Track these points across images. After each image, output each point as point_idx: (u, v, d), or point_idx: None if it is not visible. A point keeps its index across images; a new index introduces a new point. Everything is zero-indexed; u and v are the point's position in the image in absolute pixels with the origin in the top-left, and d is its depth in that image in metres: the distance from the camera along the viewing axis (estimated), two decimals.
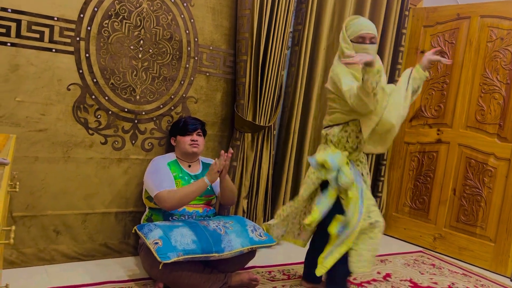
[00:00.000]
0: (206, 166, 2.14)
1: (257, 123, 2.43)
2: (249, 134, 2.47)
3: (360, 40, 1.81)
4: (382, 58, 2.96)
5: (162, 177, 1.96)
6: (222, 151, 1.92)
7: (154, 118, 2.21)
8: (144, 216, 2.08)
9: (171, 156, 2.10)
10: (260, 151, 2.54)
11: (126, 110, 2.12)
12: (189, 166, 2.09)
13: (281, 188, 2.74)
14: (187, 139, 2.06)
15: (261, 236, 1.91)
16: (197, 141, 2.06)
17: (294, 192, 2.84)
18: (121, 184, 2.16)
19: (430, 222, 2.99)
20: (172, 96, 2.24)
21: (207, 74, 2.33)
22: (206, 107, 2.36)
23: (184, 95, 2.28)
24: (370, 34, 1.80)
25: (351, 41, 1.82)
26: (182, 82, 2.25)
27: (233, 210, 2.48)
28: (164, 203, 1.87)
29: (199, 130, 2.10)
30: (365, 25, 1.80)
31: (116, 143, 2.12)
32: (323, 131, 1.91)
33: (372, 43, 1.80)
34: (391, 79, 3.05)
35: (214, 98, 2.38)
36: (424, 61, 1.87)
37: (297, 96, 2.66)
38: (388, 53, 2.98)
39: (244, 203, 2.51)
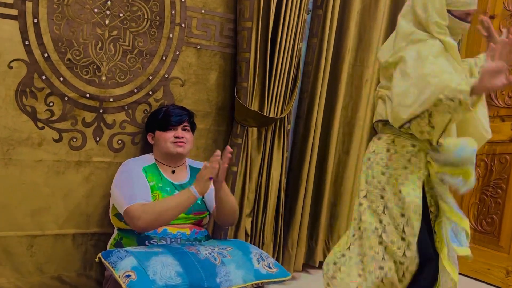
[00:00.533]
0: (195, 172, 2.14)
1: (265, 113, 2.44)
2: (255, 129, 2.48)
3: (464, 17, 1.84)
4: None
5: (135, 186, 1.96)
6: (218, 151, 1.92)
7: (126, 107, 2.20)
8: (111, 240, 2.09)
9: (148, 159, 2.11)
10: (269, 153, 2.54)
11: (88, 95, 2.12)
12: (173, 172, 2.10)
13: (297, 203, 2.74)
14: (169, 135, 2.07)
15: (270, 267, 1.93)
16: (182, 138, 2.07)
17: (315, 208, 2.84)
18: (80, 196, 2.16)
19: (501, 250, 2.98)
20: (150, 77, 2.24)
21: (198, 47, 2.33)
22: (196, 92, 2.36)
23: (166, 76, 2.28)
24: (474, 10, 1.85)
25: (449, 12, 1.82)
26: (164, 58, 2.25)
27: (232, 232, 2.48)
28: (136, 221, 1.87)
29: (185, 124, 2.11)
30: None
31: (74, 140, 2.12)
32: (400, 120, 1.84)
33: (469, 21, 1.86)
34: None
35: (207, 80, 2.38)
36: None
37: (320, 78, 2.67)
38: None
39: (247, 222, 2.51)
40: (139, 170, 2.03)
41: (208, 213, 2.12)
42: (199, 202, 2.07)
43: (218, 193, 2.01)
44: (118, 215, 2.02)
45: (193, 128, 2.17)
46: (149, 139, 2.15)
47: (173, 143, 2.06)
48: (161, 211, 1.87)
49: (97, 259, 1.88)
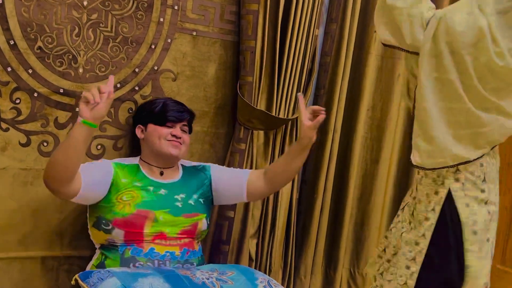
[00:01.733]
0: (188, 170, 2.22)
1: (273, 114, 2.45)
2: (261, 133, 2.49)
3: None
4: None
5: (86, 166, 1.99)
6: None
7: None
8: (93, 261, 2.09)
9: (129, 160, 2.16)
10: None
11: (61, 91, 2.12)
12: (161, 173, 2.14)
13: (312, 221, 2.75)
14: (165, 131, 2.10)
15: None
16: (180, 138, 2.11)
17: (335, 229, 2.84)
18: (51, 210, 2.16)
19: None
20: (137, 70, 2.25)
21: (194, 33, 2.34)
22: (191, 88, 2.37)
23: (155, 68, 2.29)
24: None
25: None
26: (153, 47, 2.27)
27: (233, 256, 2.49)
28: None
29: (185, 123, 2.16)
30: None
31: (45, 144, 2.12)
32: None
33: None
34: None
35: (204, 73, 2.39)
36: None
37: (340, 71, 2.68)
38: None
39: (251, 245, 2.52)
40: (104, 160, 2.12)
41: (206, 216, 2.14)
42: (191, 202, 2.11)
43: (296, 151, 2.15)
44: (97, 223, 2.04)
45: (190, 130, 2.21)
46: (138, 132, 2.17)
47: (169, 141, 2.09)
48: (54, 152, 1.87)
49: (73, 282, 1.89)
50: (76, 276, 1.88)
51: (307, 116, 2.06)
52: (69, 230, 2.20)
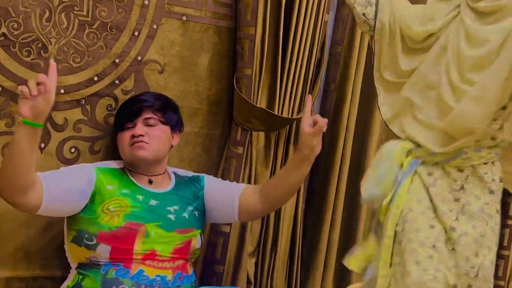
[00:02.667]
0: (184, 180, 2.23)
1: (276, 112, 2.46)
2: (262, 135, 2.51)
3: None
4: None
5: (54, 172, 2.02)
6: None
7: (82, 101, 2.22)
8: (68, 283, 2.08)
9: (113, 163, 2.18)
10: (281, 167, 2.54)
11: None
12: (150, 182, 2.14)
13: (321, 237, 2.76)
14: (126, 136, 2.11)
15: None
16: (142, 136, 2.08)
17: (348, 244, 2.82)
18: (16, 226, 2.16)
19: None
20: (117, 60, 2.26)
21: (184, 18, 2.36)
22: (180, 81, 2.39)
23: (139, 58, 2.29)
24: None
25: None
26: (136, 34, 2.27)
27: (229, 277, 2.49)
28: None
29: (148, 115, 2.12)
30: None
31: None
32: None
33: None
34: None
35: (195, 64, 2.41)
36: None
37: (354, 63, 2.71)
38: None
39: (249, 265, 2.53)
40: (84, 164, 2.12)
41: (200, 232, 2.15)
42: (186, 215, 2.12)
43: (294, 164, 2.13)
44: (77, 239, 2.03)
45: (168, 119, 2.17)
46: (117, 142, 2.19)
47: (131, 145, 2.09)
48: (2, 160, 1.88)
49: None
50: None
51: (308, 122, 2.03)
52: (38, 247, 2.20)
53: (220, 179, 2.35)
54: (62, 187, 1.98)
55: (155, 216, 2.07)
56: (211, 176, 2.30)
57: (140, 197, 2.08)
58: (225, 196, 2.22)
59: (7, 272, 2.16)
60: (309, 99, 2.12)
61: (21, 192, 1.86)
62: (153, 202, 2.09)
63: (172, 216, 2.10)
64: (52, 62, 1.77)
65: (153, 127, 2.11)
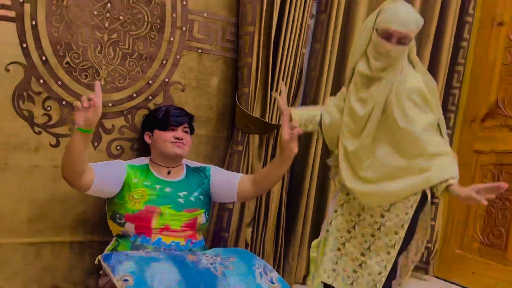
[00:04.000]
0: (191, 170, 2.20)
1: (267, 120, 2.48)
2: (256, 137, 2.53)
3: (385, 36, 1.89)
4: (443, 31, 3.00)
5: (101, 164, 2.02)
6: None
7: (125, 112, 2.25)
8: (109, 246, 2.11)
9: (140, 161, 2.16)
10: (271, 160, 2.58)
11: None
12: (168, 172, 2.14)
13: (299, 213, 2.78)
14: (169, 135, 2.10)
15: (273, 282, 1.91)
16: (182, 139, 2.11)
17: (318, 218, 2.87)
18: (78, 203, 2.19)
19: (509, 264, 2.97)
20: (150, 82, 2.29)
21: (200, 51, 2.39)
22: (197, 97, 2.41)
23: (166, 80, 2.32)
24: (400, 32, 1.87)
25: (376, 30, 1.91)
26: (164, 62, 2.30)
27: (233, 241, 2.51)
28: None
29: (185, 125, 2.15)
30: (398, 18, 1.86)
31: None
32: None
33: (401, 43, 1.88)
34: (453, 60, 3.09)
35: (208, 85, 2.43)
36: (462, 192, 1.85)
37: (323, 84, 2.71)
38: (452, 25, 3.02)
39: (247, 232, 2.55)
40: (120, 161, 2.12)
41: (204, 211, 2.14)
42: (192, 198, 2.11)
43: (281, 159, 2.06)
44: (113, 217, 2.06)
45: (192, 131, 2.21)
46: (146, 138, 2.18)
47: (173, 143, 2.09)
48: (63, 155, 1.88)
49: (96, 262, 1.91)
50: (99, 257, 1.89)
51: (287, 131, 1.98)
52: (92, 219, 2.23)
53: (223, 169, 2.32)
54: (106, 175, 1.99)
55: (168, 200, 2.06)
56: (217, 167, 2.28)
57: (158, 186, 2.07)
58: (227, 182, 2.20)
59: (71, 237, 2.21)
60: (285, 113, 2.03)
61: (77, 176, 1.89)
62: (167, 189, 2.08)
63: (181, 200, 2.09)
64: (97, 82, 1.77)
65: (187, 134, 2.15)
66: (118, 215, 2.03)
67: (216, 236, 2.45)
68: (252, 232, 2.58)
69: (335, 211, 2.14)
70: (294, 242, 2.79)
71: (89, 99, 1.72)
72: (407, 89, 1.92)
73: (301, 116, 2.16)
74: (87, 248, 2.24)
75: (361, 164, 2.01)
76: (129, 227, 2.02)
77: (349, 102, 2.03)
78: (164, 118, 2.13)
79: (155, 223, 2.02)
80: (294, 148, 2.01)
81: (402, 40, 1.88)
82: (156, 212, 2.03)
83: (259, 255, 2.58)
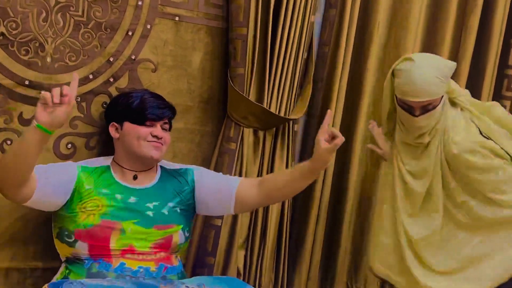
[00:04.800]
0: (168, 175, 2.21)
1: (275, 111, 2.50)
2: (251, 131, 2.52)
3: (406, 108, 2.16)
4: (487, 52, 3.04)
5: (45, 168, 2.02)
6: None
7: (78, 99, 2.22)
8: (58, 276, 2.09)
9: (98, 161, 2.17)
10: (269, 162, 2.58)
11: (27, 83, 2.13)
12: (135, 177, 2.15)
13: (307, 230, 2.79)
14: (145, 132, 2.10)
15: None
16: (161, 139, 2.11)
17: (332, 238, 2.88)
18: (14, 220, 2.17)
19: None
20: (111, 59, 2.27)
21: (177, 18, 2.37)
22: (173, 80, 2.41)
23: (133, 57, 2.31)
24: (421, 102, 2.10)
25: (396, 97, 2.18)
26: (130, 33, 2.29)
27: (220, 268, 2.51)
28: None
29: (166, 120, 2.16)
30: (414, 88, 2.08)
31: (8, 143, 2.13)
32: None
33: (428, 111, 2.12)
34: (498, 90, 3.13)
35: (188, 64, 2.42)
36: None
37: (340, 63, 2.72)
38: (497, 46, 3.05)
39: (239, 257, 2.55)
40: (70, 163, 2.13)
41: (182, 227, 2.14)
42: (165, 211, 2.12)
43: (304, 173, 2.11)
44: (60, 235, 2.05)
45: (171, 127, 2.21)
46: (112, 131, 2.16)
47: (149, 142, 2.09)
48: (4, 155, 1.89)
49: None
50: (45, 286, 1.88)
51: (324, 137, 2.00)
52: (35, 239, 2.22)
53: (213, 171, 2.34)
54: (51, 182, 1.98)
55: (133, 213, 2.06)
56: (204, 169, 2.29)
57: (119, 196, 2.07)
58: (221, 189, 2.20)
59: (7, 263, 2.18)
60: (328, 113, 2.08)
61: (17, 186, 1.87)
62: (132, 199, 2.08)
63: (150, 213, 2.09)
64: (75, 74, 1.80)
65: (166, 132, 2.14)
66: (66, 232, 2.03)
67: (199, 261, 2.45)
68: (245, 256, 2.58)
69: None
70: (301, 269, 2.80)
71: (62, 95, 1.73)
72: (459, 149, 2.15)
73: None
74: (28, 277, 2.23)
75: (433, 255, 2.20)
76: (81, 248, 2.01)
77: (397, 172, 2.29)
78: (141, 108, 2.11)
79: (113, 242, 2.02)
80: (330, 160, 2.06)
81: (427, 107, 2.11)
82: (116, 229, 2.03)
83: (254, 286, 2.59)
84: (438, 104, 2.11)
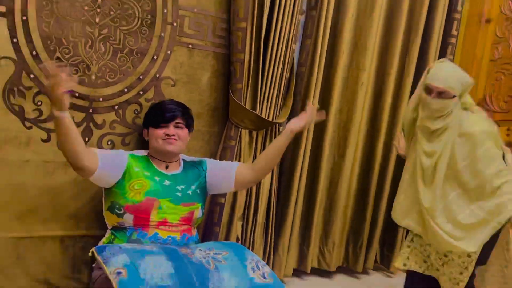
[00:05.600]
0: (188, 164, 2.20)
1: (265, 117, 2.51)
2: (246, 132, 2.53)
3: (427, 91, 2.17)
4: (432, 28, 3.02)
5: (103, 150, 2.05)
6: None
7: (116, 107, 2.25)
8: (104, 240, 2.10)
9: (140, 152, 2.16)
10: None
11: (77, 95, 2.15)
12: (167, 167, 2.14)
13: (288, 207, 2.80)
14: (160, 132, 2.10)
15: (265, 277, 1.91)
16: (174, 135, 2.10)
17: (308, 213, 2.90)
18: (68, 198, 2.19)
19: None
20: (141, 77, 2.28)
21: (190, 46, 2.39)
22: (187, 92, 2.41)
23: (157, 75, 2.32)
24: (437, 87, 2.12)
25: (424, 87, 2.19)
26: (155, 58, 2.30)
27: (223, 235, 2.53)
28: None
29: (178, 120, 2.13)
30: (438, 76, 2.13)
31: None
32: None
33: (440, 97, 2.13)
34: (442, 56, 3.10)
35: (199, 80, 2.43)
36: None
37: (314, 80, 2.73)
38: (441, 21, 3.04)
39: (238, 226, 2.57)
40: (121, 150, 2.12)
41: (201, 205, 2.14)
42: (190, 192, 2.11)
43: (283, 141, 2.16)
44: (111, 207, 2.04)
45: (189, 124, 2.18)
46: (145, 135, 2.18)
47: (164, 139, 2.09)
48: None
49: (90, 254, 1.90)
50: (93, 249, 1.88)
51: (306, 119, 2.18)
52: (83, 214, 2.23)
53: (219, 160, 2.36)
54: (109, 161, 1.98)
55: (167, 193, 2.05)
56: (212, 159, 2.29)
57: (157, 178, 2.06)
58: (225, 171, 2.21)
59: (62, 232, 2.20)
60: (310, 105, 2.25)
61: (77, 156, 1.86)
62: (166, 182, 2.08)
63: (179, 194, 2.08)
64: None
65: (180, 129, 2.13)
66: (117, 206, 2.01)
67: (208, 230, 2.46)
68: (242, 226, 2.60)
69: None
70: (284, 236, 2.81)
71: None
72: (467, 133, 2.14)
73: None
74: (79, 242, 2.25)
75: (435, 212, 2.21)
76: (128, 218, 2.01)
77: (416, 152, 2.28)
78: (155, 115, 2.13)
79: (154, 216, 2.01)
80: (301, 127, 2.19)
81: (441, 95, 2.12)
82: (155, 205, 2.02)
83: (248, 248, 2.60)
84: (450, 98, 2.12)
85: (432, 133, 2.20)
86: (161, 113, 2.12)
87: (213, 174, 2.21)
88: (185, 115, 2.17)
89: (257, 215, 2.63)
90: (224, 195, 2.48)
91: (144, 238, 2.00)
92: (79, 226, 2.24)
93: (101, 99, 2.20)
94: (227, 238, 2.53)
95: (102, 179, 2.02)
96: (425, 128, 2.22)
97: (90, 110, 2.20)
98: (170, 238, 2.02)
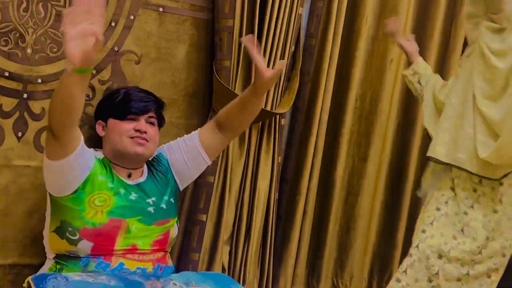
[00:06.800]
0: (152, 167, 2.20)
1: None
2: None
3: None
4: None
5: None
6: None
7: None
8: (47, 270, 2.06)
9: (98, 153, 2.15)
10: (255, 157, 2.59)
11: (7, 74, 2.13)
12: (129, 175, 2.12)
13: (293, 226, 2.80)
14: (128, 127, 2.08)
15: None
16: (145, 133, 2.08)
17: (318, 235, 2.91)
18: None
19: None
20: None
21: (161, 9, 2.37)
22: (157, 72, 2.41)
23: (116, 49, 2.31)
24: None
25: None
26: (113, 24, 2.29)
27: (204, 264, 2.52)
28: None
29: (151, 114, 2.13)
30: None
31: None
32: None
33: None
34: None
35: (172, 56, 2.43)
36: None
37: (327, 55, 2.73)
38: None
39: (224, 253, 2.56)
40: (91, 151, 2.08)
41: (176, 219, 2.17)
42: (164, 205, 2.12)
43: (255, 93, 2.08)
44: (60, 230, 2.00)
45: (160, 122, 2.20)
46: (99, 129, 2.15)
47: (132, 138, 2.06)
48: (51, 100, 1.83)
49: (25, 284, 1.87)
50: (29, 278, 1.83)
51: (263, 65, 1.97)
52: (15, 235, 2.21)
53: (173, 140, 2.28)
54: (84, 152, 1.96)
55: (136, 210, 2.05)
56: (165, 145, 2.27)
57: (122, 191, 2.05)
58: (188, 149, 2.21)
59: None
60: (247, 39, 2.07)
61: (68, 125, 1.81)
62: (133, 196, 2.07)
63: (151, 209, 2.08)
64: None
65: (152, 126, 2.12)
66: (70, 228, 1.98)
67: (184, 256, 2.47)
68: (230, 252, 2.60)
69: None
70: (286, 265, 2.81)
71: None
72: None
73: (426, 69, 2.57)
74: (7, 273, 2.23)
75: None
76: (84, 247, 1.98)
77: (480, 60, 2.26)
78: (123, 103, 2.10)
79: (119, 242, 2.01)
80: (272, 86, 2.19)
81: None
82: (122, 228, 2.01)
83: (238, 282, 2.59)
84: None
85: (497, 33, 2.23)
86: (131, 101, 2.10)
87: (176, 159, 2.21)
88: (160, 110, 2.19)
89: (250, 238, 2.63)
90: (205, 211, 2.48)
91: (106, 269, 1.98)
92: (9, 251, 2.21)
93: (39, 81, 2.19)
94: (209, 268, 2.53)
95: (64, 174, 1.94)
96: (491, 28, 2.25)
97: (25, 95, 2.17)
98: (139, 270, 2.02)
